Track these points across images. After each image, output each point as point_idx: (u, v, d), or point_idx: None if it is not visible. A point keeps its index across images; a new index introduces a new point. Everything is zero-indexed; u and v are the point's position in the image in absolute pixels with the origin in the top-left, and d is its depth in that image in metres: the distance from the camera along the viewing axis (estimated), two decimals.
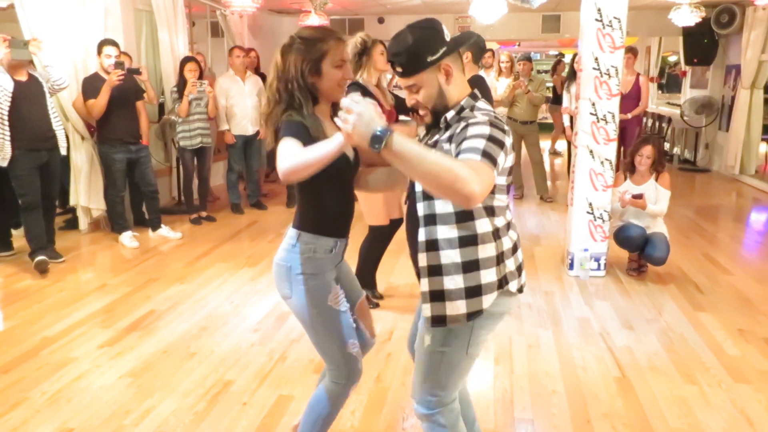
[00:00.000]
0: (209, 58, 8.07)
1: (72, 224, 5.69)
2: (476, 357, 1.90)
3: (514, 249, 1.87)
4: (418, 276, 1.85)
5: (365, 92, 3.52)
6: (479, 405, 2.78)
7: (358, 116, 1.49)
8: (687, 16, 7.95)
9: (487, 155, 1.60)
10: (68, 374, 3.08)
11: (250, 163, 6.63)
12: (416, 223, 1.81)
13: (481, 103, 1.81)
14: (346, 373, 2.08)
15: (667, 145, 10.51)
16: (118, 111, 5.12)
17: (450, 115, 1.80)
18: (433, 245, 1.77)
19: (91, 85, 5.06)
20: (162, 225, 5.58)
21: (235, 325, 3.70)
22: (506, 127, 1.73)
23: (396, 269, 4.66)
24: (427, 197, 1.78)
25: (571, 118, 6.05)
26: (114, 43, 5.12)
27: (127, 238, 5.31)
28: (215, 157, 7.40)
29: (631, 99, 6.87)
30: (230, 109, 6.29)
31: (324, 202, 1.99)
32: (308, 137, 1.82)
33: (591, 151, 4.42)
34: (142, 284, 4.37)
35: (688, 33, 9.02)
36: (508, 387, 2.97)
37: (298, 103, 1.90)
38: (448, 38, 1.77)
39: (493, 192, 1.74)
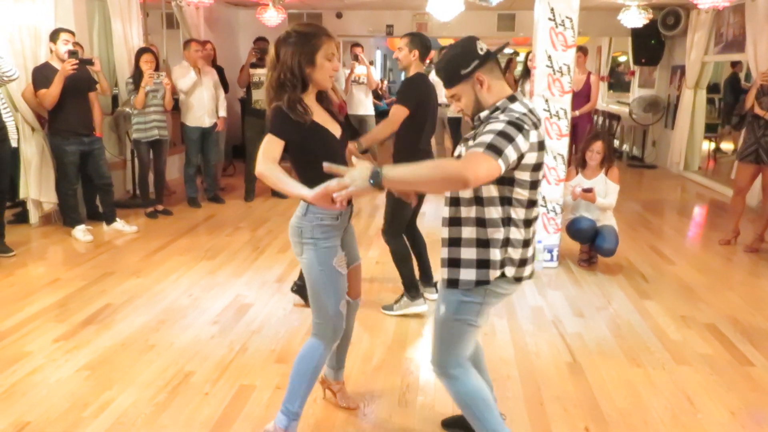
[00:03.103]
0: (164, 50, 7.94)
1: (22, 218, 5.53)
2: (481, 327, 2.18)
3: (525, 244, 2.07)
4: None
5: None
6: (438, 390, 2.87)
7: (352, 181, 1.83)
8: (635, 17, 8.26)
9: (491, 147, 1.83)
10: (22, 368, 3.02)
11: (207, 157, 6.58)
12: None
13: (518, 105, 2.01)
14: (332, 328, 2.36)
15: (616, 142, 10.87)
16: (71, 102, 5.00)
17: (483, 114, 2.05)
18: (455, 221, 2.09)
19: (41, 75, 4.93)
20: (117, 219, 5.48)
21: (194, 317, 3.69)
22: (526, 125, 1.93)
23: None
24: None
25: None
26: (70, 31, 5.00)
27: (80, 231, 5.20)
28: (171, 150, 7.30)
29: (582, 97, 7.10)
30: (187, 101, 6.22)
31: (323, 177, 2.07)
32: (290, 125, 2.18)
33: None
34: (97, 278, 4.30)
35: (636, 34, 9.33)
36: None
37: (290, 87, 2.19)
38: (482, 51, 2.03)
39: (512, 185, 1.98)
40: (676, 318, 3.79)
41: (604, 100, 11.72)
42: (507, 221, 2.02)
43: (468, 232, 2.06)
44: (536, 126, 1.99)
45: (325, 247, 2.28)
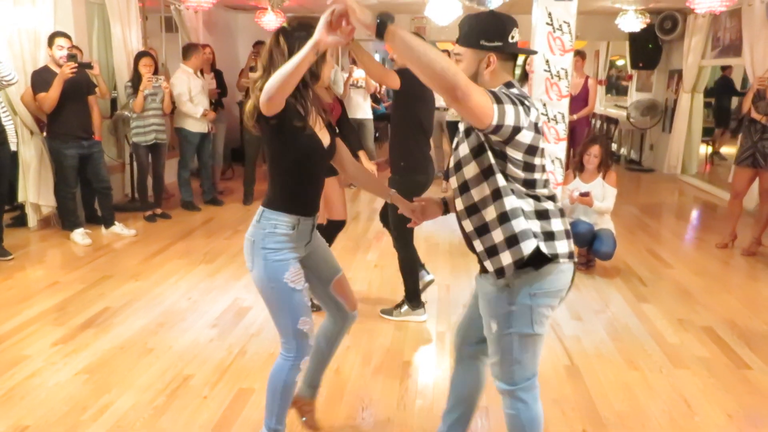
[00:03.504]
0: (163, 54, 7.95)
1: (20, 221, 5.53)
2: (543, 333, 2.00)
3: (540, 215, 1.92)
4: (472, 249, 2.00)
5: None
6: (438, 394, 2.88)
7: (359, 5, 1.70)
8: (632, 21, 8.30)
9: (494, 94, 1.76)
10: (21, 372, 3.02)
11: (204, 160, 6.59)
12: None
13: (514, 90, 1.91)
14: (295, 347, 2.22)
15: (614, 146, 10.90)
16: (70, 105, 5.01)
17: None
18: (472, 209, 1.93)
19: (41, 78, 4.94)
20: (115, 222, 5.48)
21: (193, 320, 3.70)
22: (532, 106, 1.87)
23: (352, 269, 4.73)
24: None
25: None
26: (66, 35, 5.01)
27: (79, 235, 5.20)
28: (170, 153, 7.31)
29: (580, 101, 7.12)
30: (193, 107, 6.24)
31: (289, 181, 2.12)
32: (296, 117, 2.08)
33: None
34: (95, 281, 4.31)
35: (633, 38, 9.38)
36: None
37: (301, 82, 2.01)
38: (512, 40, 1.93)
39: (504, 160, 1.86)
40: (673, 321, 3.81)
41: (601, 103, 11.75)
42: (515, 191, 1.90)
43: (490, 213, 1.91)
44: (528, 108, 1.89)
45: (276, 261, 2.13)
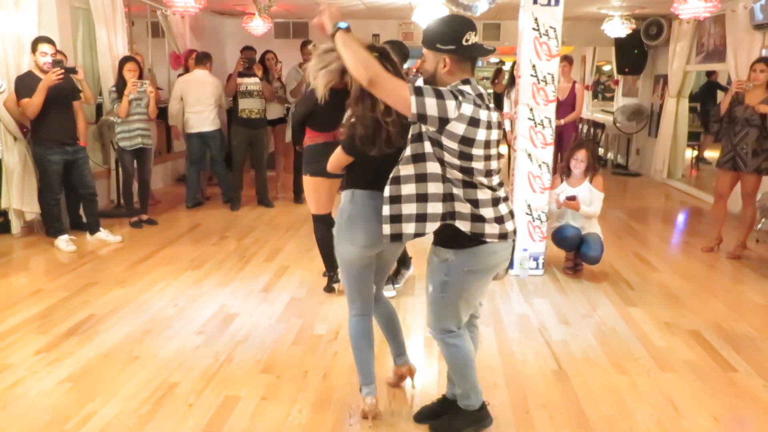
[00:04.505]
0: (149, 59, 7.91)
1: (4, 228, 5.46)
2: (475, 300, 2.47)
3: (494, 202, 2.27)
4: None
5: None
6: (426, 400, 2.86)
7: (329, 14, 2.25)
8: (618, 27, 8.36)
9: (416, 88, 2.10)
10: (3, 381, 2.97)
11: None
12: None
13: (468, 87, 2.19)
14: (349, 304, 2.70)
15: (601, 150, 10.96)
16: (55, 111, 4.96)
17: None
18: (395, 180, 2.28)
19: (24, 84, 4.89)
20: (101, 228, 5.43)
21: (180, 327, 3.66)
22: (462, 98, 2.13)
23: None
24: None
25: (512, 123, 6.25)
26: (50, 41, 4.96)
27: (63, 242, 5.14)
28: (156, 159, 7.26)
29: (567, 105, 7.15)
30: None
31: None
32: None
33: (529, 155, 4.60)
34: (80, 289, 4.25)
35: (619, 44, 9.45)
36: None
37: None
38: (467, 43, 2.18)
39: (441, 147, 2.18)
40: (660, 325, 3.82)
41: (588, 108, 11.82)
42: (444, 177, 2.23)
43: (408, 189, 2.26)
44: (479, 106, 2.16)
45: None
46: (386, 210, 2.29)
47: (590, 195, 4.61)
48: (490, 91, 10.54)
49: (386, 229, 2.30)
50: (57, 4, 5.65)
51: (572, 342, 3.55)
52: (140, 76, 5.69)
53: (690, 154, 9.99)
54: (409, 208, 2.26)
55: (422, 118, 2.11)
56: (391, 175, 2.28)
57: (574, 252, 4.74)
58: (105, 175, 6.58)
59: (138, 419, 2.68)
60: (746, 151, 4.98)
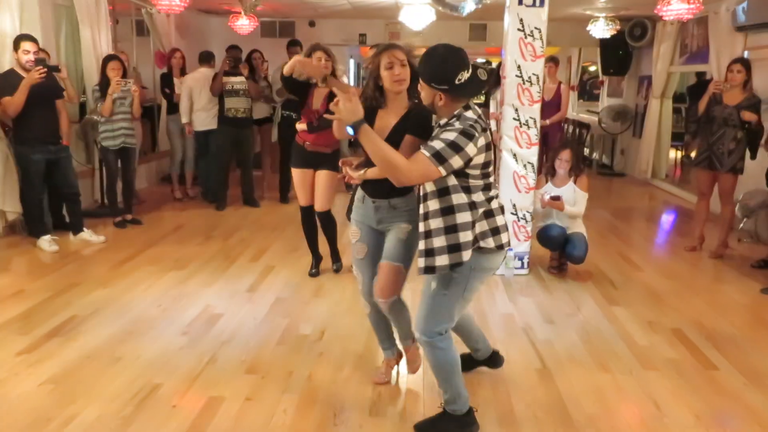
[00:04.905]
0: (134, 57, 7.85)
1: None
2: (470, 300, 2.55)
3: (489, 214, 2.42)
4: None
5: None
6: (411, 400, 2.87)
7: (345, 112, 2.28)
8: (603, 28, 8.43)
9: (437, 155, 2.24)
10: None
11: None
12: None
13: (470, 113, 2.34)
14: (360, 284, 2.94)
15: (586, 151, 11.04)
16: (37, 110, 4.90)
17: (443, 122, 2.38)
18: (425, 216, 2.42)
19: (6, 82, 4.82)
20: (84, 228, 5.37)
21: (163, 328, 3.63)
22: (476, 133, 2.28)
23: (328, 272, 4.70)
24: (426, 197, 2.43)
25: (497, 123, 6.28)
26: (32, 39, 4.90)
27: (46, 242, 5.09)
28: (141, 159, 7.21)
29: (553, 106, 7.21)
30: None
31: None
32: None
33: (514, 155, 4.62)
34: (62, 289, 4.21)
35: (604, 45, 9.52)
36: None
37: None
38: (459, 82, 2.29)
39: (465, 177, 2.34)
40: (643, 323, 3.85)
41: (574, 109, 11.90)
42: (472, 205, 2.37)
43: (436, 223, 2.38)
44: (485, 130, 2.33)
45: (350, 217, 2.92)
46: (421, 245, 2.43)
47: (575, 195, 4.64)
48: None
49: (420, 262, 2.42)
50: (39, 1, 5.58)
51: (556, 341, 3.57)
52: (124, 75, 5.65)
53: (674, 154, 10.08)
54: (440, 241, 2.36)
55: (453, 172, 2.30)
56: (420, 212, 2.44)
57: (559, 251, 4.77)
58: (88, 174, 6.52)
59: (120, 421, 2.66)
60: (722, 151, 5.04)
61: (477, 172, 2.33)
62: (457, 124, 2.28)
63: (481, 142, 2.29)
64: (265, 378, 3.05)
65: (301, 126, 4.30)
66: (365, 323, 3.72)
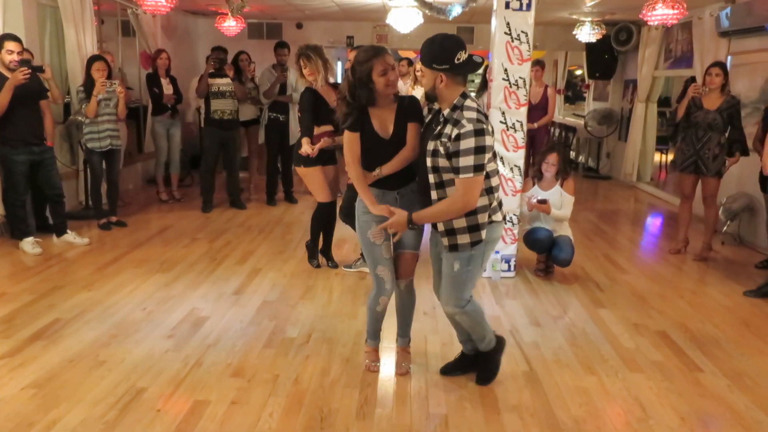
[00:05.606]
0: (119, 58, 7.78)
1: None
2: (486, 268, 3.09)
3: (494, 190, 2.72)
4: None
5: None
6: (397, 401, 2.86)
7: (397, 225, 2.73)
8: (589, 33, 8.49)
9: (477, 168, 2.51)
10: None
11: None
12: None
13: (469, 102, 2.56)
14: (375, 286, 3.02)
15: (572, 154, 11.11)
16: (21, 110, 4.84)
17: (446, 112, 2.61)
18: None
19: None
20: (68, 230, 5.31)
21: (148, 331, 3.60)
22: (484, 124, 2.52)
23: (315, 273, 4.69)
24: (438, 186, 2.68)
25: None
26: (16, 39, 4.84)
27: (29, 244, 5.02)
28: (127, 160, 7.15)
29: (540, 109, 7.25)
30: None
31: (366, 166, 2.87)
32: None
33: (501, 158, 4.63)
34: (45, 292, 4.16)
35: (590, 49, 9.59)
36: (424, 384, 3.06)
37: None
38: (458, 61, 2.53)
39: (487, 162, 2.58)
40: (629, 326, 3.88)
41: (560, 112, 11.97)
42: (489, 191, 2.67)
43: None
44: (486, 116, 2.57)
45: (363, 220, 2.91)
46: (440, 226, 2.73)
47: (561, 198, 4.67)
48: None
49: (444, 241, 2.75)
50: (23, 1, 5.52)
51: (543, 343, 3.58)
52: (109, 76, 5.60)
53: (659, 158, 10.17)
54: (461, 222, 2.68)
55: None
56: (437, 197, 2.67)
57: (546, 254, 4.79)
58: (73, 175, 6.45)
59: (104, 426, 2.62)
60: (708, 156, 5.10)
61: (490, 154, 2.58)
62: (466, 123, 2.49)
63: (490, 129, 2.55)
64: (251, 381, 3.03)
65: (311, 151, 4.21)
66: (352, 326, 3.73)
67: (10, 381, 2.97)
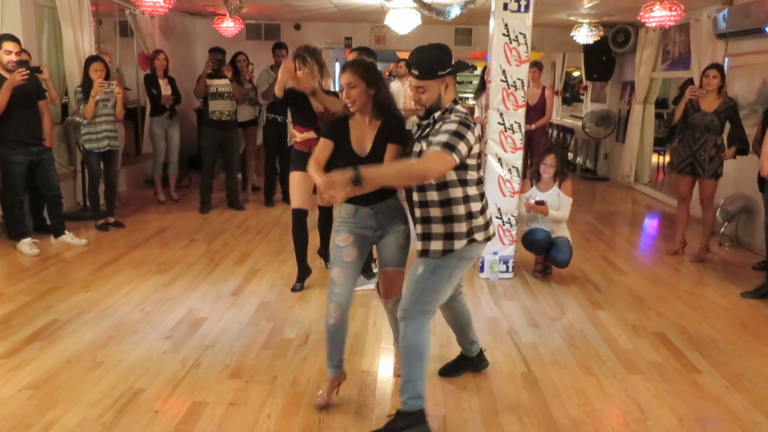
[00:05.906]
0: (117, 59, 7.78)
1: None
2: (454, 285, 2.70)
3: (482, 210, 2.62)
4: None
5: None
6: (395, 402, 2.86)
7: (330, 186, 2.34)
8: (587, 34, 8.50)
9: (446, 145, 2.39)
10: None
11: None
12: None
13: (459, 107, 2.58)
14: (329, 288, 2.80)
15: (570, 155, 11.12)
16: (19, 111, 4.83)
17: (437, 114, 2.56)
18: (424, 204, 2.58)
19: None
20: (65, 231, 5.30)
21: (146, 332, 3.59)
22: (473, 123, 2.49)
23: (312, 276, 4.69)
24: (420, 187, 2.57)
25: (482, 127, 6.30)
26: (14, 39, 4.84)
27: (26, 245, 5.01)
28: (124, 161, 7.14)
29: (537, 110, 7.25)
30: None
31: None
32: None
33: (499, 159, 4.64)
34: (43, 293, 4.15)
35: (588, 50, 9.60)
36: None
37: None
38: (454, 62, 2.56)
39: (465, 169, 2.51)
40: (627, 327, 3.88)
41: (558, 114, 11.98)
42: (466, 198, 2.54)
43: (435, 212, 2.55)
44: (474, 124, 2.52)
45: (336, 226, 2.85)
46: (419, 229, 2.62)
47: (559, 200, 4.67)
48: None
49: (418, 245, 2.62)
50: (21, 1, 5.51)
51: (541, 345, 3.59)
52: (107, 77, 5.59)
53: (656, 159, 10.18)
54: (438, 228, 2.57)
55: (462, 161, 2.45)
56: (416, 199, 2.58)
57: (544, 255, 4.80)
58: (70, 176, 6.44)
59: (101, 427, 2.62)
60: (704, 158, 5.11)
61: (474, 162, 2.53)
62: (453, 117, 2.48)
63: (477, 131, 2.50)
64: (249, 382, 3.03)
65: (305, 135, 4.16)
66: (350, 327, 3.71)
67: (7, 382, 2.96)
